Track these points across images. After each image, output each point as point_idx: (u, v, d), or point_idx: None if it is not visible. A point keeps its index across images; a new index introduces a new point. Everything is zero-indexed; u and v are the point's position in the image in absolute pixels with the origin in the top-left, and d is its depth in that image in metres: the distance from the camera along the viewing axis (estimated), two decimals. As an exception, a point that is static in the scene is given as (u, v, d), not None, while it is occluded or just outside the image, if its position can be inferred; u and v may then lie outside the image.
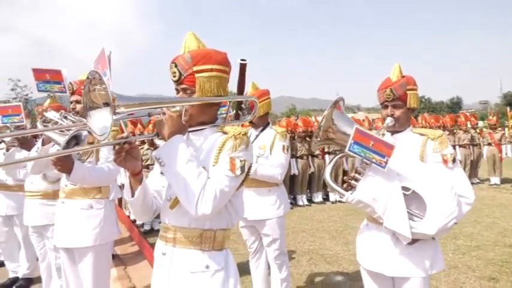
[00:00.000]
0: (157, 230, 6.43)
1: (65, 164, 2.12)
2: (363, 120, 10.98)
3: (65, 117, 2.32)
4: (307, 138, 8.85)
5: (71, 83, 2.47)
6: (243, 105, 1.68)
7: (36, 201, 3.21)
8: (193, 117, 1.53)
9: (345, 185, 2.10)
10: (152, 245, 5.38)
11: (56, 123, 2.28)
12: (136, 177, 1.49)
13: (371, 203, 1.95)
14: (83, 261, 2.45)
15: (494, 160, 10.60)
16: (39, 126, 2.25)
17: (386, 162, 1.90)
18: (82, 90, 2.50)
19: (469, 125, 10.92)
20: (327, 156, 9.18)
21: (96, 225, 2.46)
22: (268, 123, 3.24)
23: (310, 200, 8.96)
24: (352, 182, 2.02)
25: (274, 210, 3.10)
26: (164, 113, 1.44)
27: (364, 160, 1.95)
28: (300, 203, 8.67)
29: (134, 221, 6.63)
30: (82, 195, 2.47)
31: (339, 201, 9.01)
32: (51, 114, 2.32)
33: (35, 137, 3.23)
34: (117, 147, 1.38)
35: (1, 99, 55.01)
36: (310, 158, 8.89)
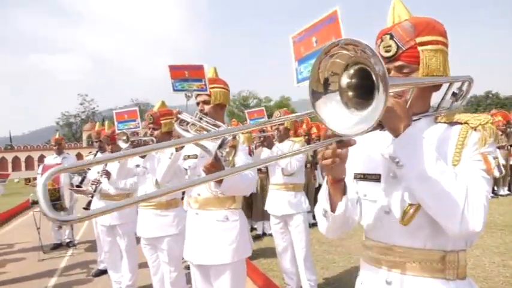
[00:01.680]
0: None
1: (218, 170, 1.87)
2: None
3: (200, 119, 2.10)
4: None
5: None
6: (456, 90, 1.29)
7: (150, 212, 3.06)
8: (412, 104, 1.18)
9: None
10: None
11: (194, 125, 2.06)
12: (338, 184, 1.17)
13: None
14: (219, 279, 2.19)
15: None
16: (177, 128, 2.04)
17: None
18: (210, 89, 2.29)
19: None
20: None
21: (233, 239, 2.19)
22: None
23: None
24: None
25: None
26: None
27: None
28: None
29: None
30: (217, 205, 2.22)
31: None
32: (187, 117, 2.10)
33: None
34: (328, 149, 1.06)
35: (71, 113, 59.97)
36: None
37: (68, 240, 6.66)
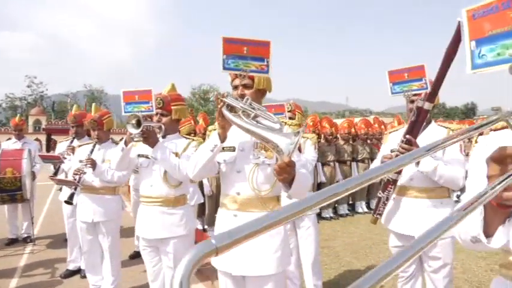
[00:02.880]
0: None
1: (292, 170, 1.54)
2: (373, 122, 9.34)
3: (251, 106, 1.76)
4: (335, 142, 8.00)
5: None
6: None
7: (155, 209, 2.65)
8: None
9: None
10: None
11: (245, 112, 1.72)
12: (505, 211, 0.92)
13: None
14: (259, 293, 1.88)
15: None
16: (229, 115, 1.69)
17: None
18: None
19: None
20: (354, 163, 8.24)
21: (277, 246, 1.89)
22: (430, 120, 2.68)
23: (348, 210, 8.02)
24: None
25: (451, 228, 2.51)
26: None
27: None
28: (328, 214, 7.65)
29: (205, 230, 6.10)
30: (260, 206, 1.90)
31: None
32: (235, 102, 1.75)
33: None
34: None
35: (17, 95, 55.52)
36: (337, 164, 7.90)
37: (25, 235, 5.93)
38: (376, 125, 8.84)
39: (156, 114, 2.74)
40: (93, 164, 3.36)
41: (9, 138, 6.03)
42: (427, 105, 2.36)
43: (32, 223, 5.77)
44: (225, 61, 1.70)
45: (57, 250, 5.45)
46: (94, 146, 3.55)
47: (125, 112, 2.57)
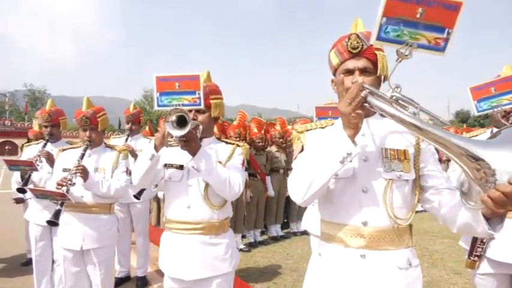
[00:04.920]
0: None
1: None
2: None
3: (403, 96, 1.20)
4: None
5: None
6: None
7: (194, 239, 1.97)
8: None
9: None
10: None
11: (398, 103, 1.16)
12: None
13: None
14: None
15: None
16: (386, 107, 1.12)
17: None
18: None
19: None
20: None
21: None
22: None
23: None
24: None
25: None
26: None
27: None
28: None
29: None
30: (396, 242, 1.33)
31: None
32: (378, 91, 1.19)
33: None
34: None
35: None
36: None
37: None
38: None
39: (190, 110, 2.07)
40: (84, 173, 2.59)
41: None
42: (528, 121, 1.96)
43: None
44: (382, 27, 1.11)
45: (13, 279, 4.42)
46: (85, 151, 2.76)
47: (159, 106, 1.86)
